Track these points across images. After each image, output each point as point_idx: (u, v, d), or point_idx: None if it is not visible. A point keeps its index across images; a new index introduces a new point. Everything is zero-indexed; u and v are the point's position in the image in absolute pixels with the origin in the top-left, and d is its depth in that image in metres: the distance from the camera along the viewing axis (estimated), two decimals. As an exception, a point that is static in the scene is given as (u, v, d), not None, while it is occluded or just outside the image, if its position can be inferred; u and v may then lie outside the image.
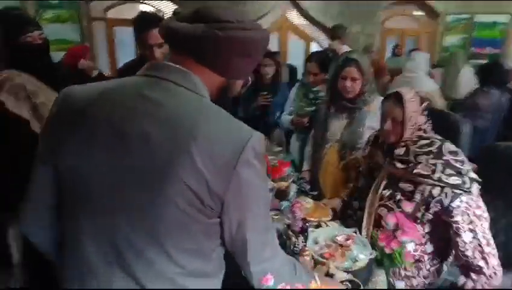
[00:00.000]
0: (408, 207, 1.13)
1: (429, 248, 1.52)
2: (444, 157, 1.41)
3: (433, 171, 1.39)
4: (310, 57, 2.57)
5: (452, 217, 1.37)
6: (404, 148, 1.48)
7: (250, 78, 1.01)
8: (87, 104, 0.77)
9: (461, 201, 1.36)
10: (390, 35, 7.32)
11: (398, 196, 1.49)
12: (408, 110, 1.44)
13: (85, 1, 5.26)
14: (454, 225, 1.38)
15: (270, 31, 6.28)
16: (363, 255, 1.41)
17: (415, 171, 1.42)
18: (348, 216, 1.75)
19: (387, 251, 0.99)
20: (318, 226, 1.69)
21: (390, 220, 0.99)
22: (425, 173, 1.40)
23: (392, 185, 1.53)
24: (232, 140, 0.75)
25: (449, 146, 1.45)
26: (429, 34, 7.14)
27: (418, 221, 1.43)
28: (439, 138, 1.50)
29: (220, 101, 0.86)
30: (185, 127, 0.72)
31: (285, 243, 1.48)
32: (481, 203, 1.38)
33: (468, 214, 1.36)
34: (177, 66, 0.79)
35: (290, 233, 1.49)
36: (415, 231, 1.00)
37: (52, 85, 1.94)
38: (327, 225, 1.69)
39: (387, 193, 1.53)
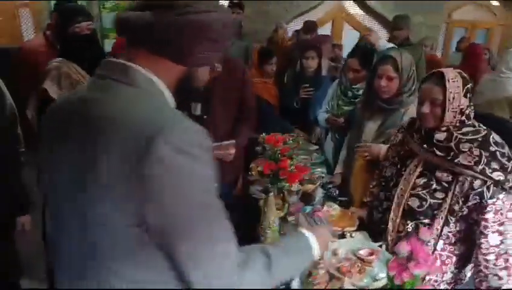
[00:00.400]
0: (426, 235, 1.01)
1: (459, 248, 1.43)
2: (491, 148, 1.29)
3: (477, 163, 1.28)
4: (352, 52, 2.40)
5: (484, 213, 1.29)
6: (446, 134, 1.35)
7: (218, 65, 0.92)
8: (54, 115, 0.81)
9: (498, 199, 1.27)
10: (460, 27, 6.71)
11: (434, 185, 1.39)
12: (450, 90, 1.31)
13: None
14: (482, 223, 1.29)
15: (324, 20, 6.07)
16: (384, 274, 1.31)
17: (456, 160, 1.31)
18: (373, 207, 1.67)
19: (397, 282, 0.89)
20: (342, 236, 1.60)
21: (404, 249, 0.89)
22: (468, 163, 1.29)
23: (427, 173, 1.42)
24: (141, 132, 0.66)
25: (495, 137, 1.33)
26: (504, 27, 6.44)
27: (455, 214, 1.34)
28: (484, 127, 1.37)
29: (184, 92, 0.82)
30: (105, 126, 0.69)
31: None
32: None
33: (501, 214, 1.28)
34: (118, 60, 0.76)
35: (307, 242, 1.41)
36: (432, 262, 0.89)
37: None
38: (351, 236, 1.59)
39: (421, 181, 1.42)
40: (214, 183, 0.73)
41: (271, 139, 1.64)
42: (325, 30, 6.18)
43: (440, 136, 1.36)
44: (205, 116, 1.90)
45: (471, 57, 3.88)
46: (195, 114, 1.91)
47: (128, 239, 0.70)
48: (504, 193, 1.27)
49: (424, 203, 1.40)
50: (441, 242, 1.40)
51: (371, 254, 1.42)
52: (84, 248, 0.75)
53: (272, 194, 1.45)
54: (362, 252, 1.43)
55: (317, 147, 2.63)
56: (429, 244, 1.37)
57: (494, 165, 1.27)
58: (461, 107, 1.33)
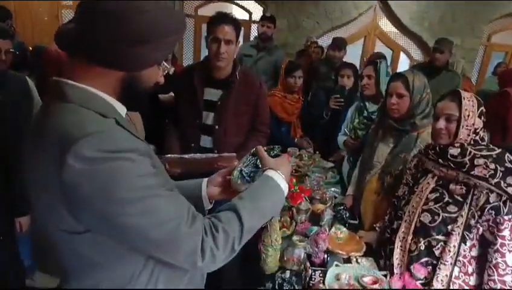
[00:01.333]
0: (421, 272, 0.95)
1: (473, 280, 1.34)
2: (506, 165, 1.28)
3: (492, 176, 1.27)
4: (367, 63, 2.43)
5: (500, 230, 1.26)
6: (460, 149, 1.35)
7: (168, 65, 0.87)
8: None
9: None
10: (499, 52, 6.44)
11: (446, 198, 1.38)
12: (465, 107, 1.35)
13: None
14: (499, 241, 1.25)
15: (357, 37, 6.00)
16: (386, 306, 1.25)
17: (472, 172, 1.30)
18: (384, 229, 1.62)
19: (387, 317, 0.85)
20: (348, 260, 1.55)
21: (396, 284, 0.84)
22: (483, 175, 1.28)
23: (439, 188, 1.41)
24: (57, 146, 0.69)
25: (511, 157, 1.31)
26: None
27: (471, 230, 1.31)
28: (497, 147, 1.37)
29: (133, 95, 0.82)
30: (39, 142, 0.74)
31: (300, 274, 1.38)
32: None
33: None
34: (54, 79, 0.78)
35: (308, 264, 1.38)
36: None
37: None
38: (358, 262, 1.54)
39: (433, 196, 1.41)
40: (149, 178, 0.74)
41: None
42: (356, 46, 6.12)
43: (454, 151, 1.35)
44: (217, 127, 1.90)
45: (508, 84, 3.69)
46: (206, 123, 1.92)
47: (79, 244, 0.76)
48: None
49: (436, 217, 1.38)
50: (456, 270, 1.33)
51: (375, 282, 1.37)
52: (48, 250, 0.83)
53: (275, 211, 1.42)
54: (366, 280, 1.38)
55: (332, 164, 2.58)
56: (446, 263, 1.32)
57: (510, 180, 1.25)
58: (475, 127, 1.35)
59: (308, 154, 2.52)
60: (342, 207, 1.83)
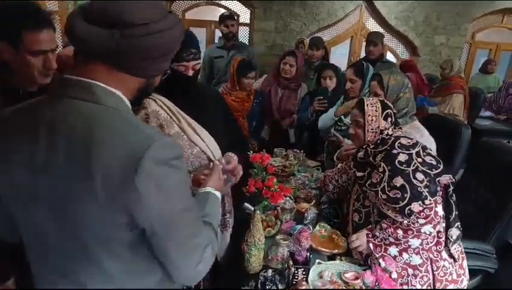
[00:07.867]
0: (391, 265, 0.98)
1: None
2: (393, 151, 1.42)
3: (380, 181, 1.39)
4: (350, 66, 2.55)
5: None
6: (364, 151, 1.54)
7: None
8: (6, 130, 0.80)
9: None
10: (483, 49, 6.55)
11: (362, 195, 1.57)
12: (368, 113, 1.54)
13: (168, 1, 5.62)
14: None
15: (343, 37, 6.06)
16: (367, 301, 1.27)
17: (368, 183, 1.45)
18: None
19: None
20: (332, 258, 1.57)
21: (369, 278, 0.86)
22: (375, 181, 1.42)
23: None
24: (129, 149, 0.72)
25: (403, 141, 1.46)
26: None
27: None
28: (400, 134, 1.55)
29: (140, 98, 0.88)
30: (82, 147, 0.72)
31: (283, 272, 1.40)
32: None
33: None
34: (78, 78, 0.76)
35: (291, 262, 1.40)
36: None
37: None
38: (341, 259, 1.57)
39: (354, 195, 1.62)
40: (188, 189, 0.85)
41: (256, 157, 1.62)
42: (344, 47, 6.18)
43: (360, 153, 1.55)
44: None
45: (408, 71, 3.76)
46: None
47: (120, 243, 0.79)
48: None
49: (361, 215, 1.58)
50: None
51: (357, 278, 1.39)
52: (70, 250, 0.80)
53: (258, 211, 1.43)
54: (348, 276, 1.40)
55: (318, 164, 2.60)
56: None
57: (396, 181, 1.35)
58: (381, 128, 1.54)
59: (294, 154, 2.54)
60: (326, 206, 1.85)
